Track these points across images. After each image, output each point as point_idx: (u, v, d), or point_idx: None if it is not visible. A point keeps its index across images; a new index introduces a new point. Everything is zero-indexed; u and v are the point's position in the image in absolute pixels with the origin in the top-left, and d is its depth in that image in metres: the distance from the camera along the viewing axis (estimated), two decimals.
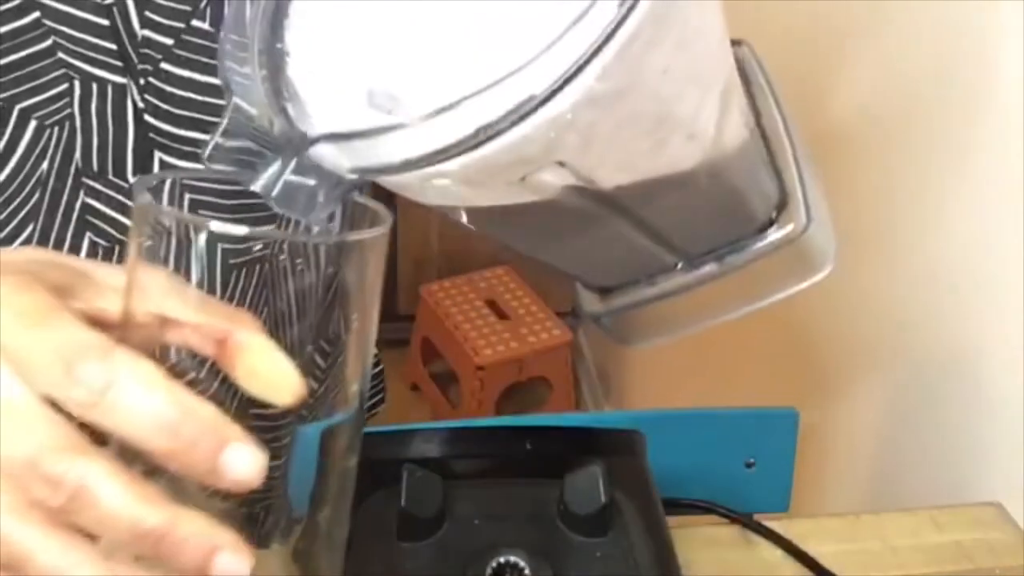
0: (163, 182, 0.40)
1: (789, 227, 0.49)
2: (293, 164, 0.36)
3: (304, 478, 0.41)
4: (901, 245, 0.99)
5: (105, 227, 0.59)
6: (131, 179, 0.58)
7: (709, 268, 0.50)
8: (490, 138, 0.33)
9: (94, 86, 0.55)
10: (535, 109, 0.33)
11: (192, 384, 0.39)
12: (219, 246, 0.37)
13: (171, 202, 0.40)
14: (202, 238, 0.37)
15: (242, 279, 0.41)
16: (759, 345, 1.35)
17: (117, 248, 0.60)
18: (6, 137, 0.55)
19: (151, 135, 0.57)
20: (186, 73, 0.56)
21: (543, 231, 0.46)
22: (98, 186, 0.58)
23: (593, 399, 2.11)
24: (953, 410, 0.91)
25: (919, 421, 0.96)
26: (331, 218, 0.40)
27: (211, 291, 0.38)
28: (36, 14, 0.53)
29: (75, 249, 0.59)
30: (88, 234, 0.59)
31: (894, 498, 0.98)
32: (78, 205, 0.58)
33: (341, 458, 0.41)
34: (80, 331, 0.35)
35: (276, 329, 0.39)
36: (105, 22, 0.54)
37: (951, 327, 0.92)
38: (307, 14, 0.41)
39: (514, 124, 0.33)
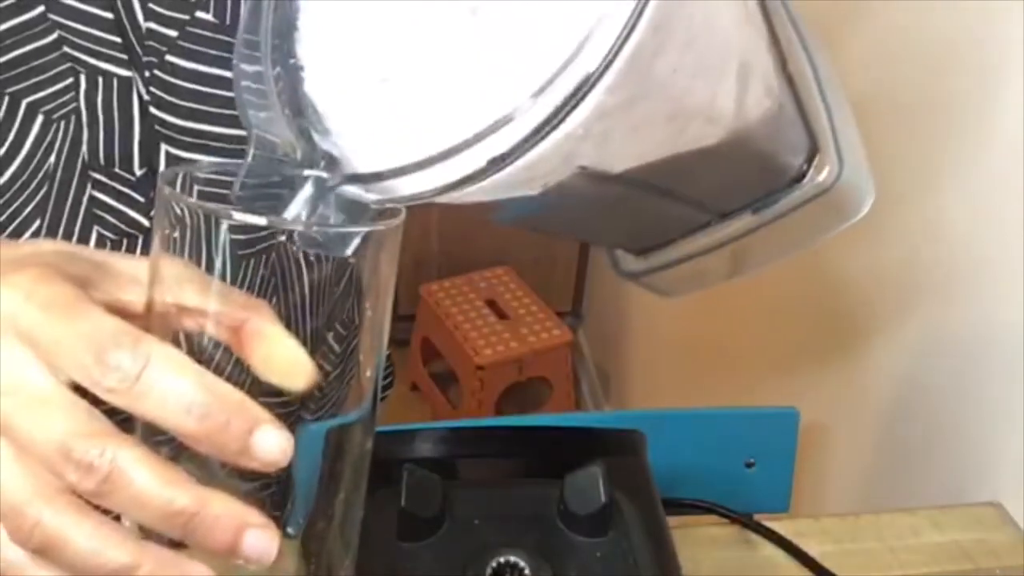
0: (176, 175, 0.40)
1: (822, 176, 0.48)
2: (319, 208, 0.37)
3: (311, 469, 0.42)
4: (901, 245, 0.99)
5: (112, 220, 0.59)
6: (137, 172, 0.58)
7: (744, 221, 0.49)
8: (504, 167, 0.34)
9: (100, 79, 0.56)
10: (545, 135, 0.33)
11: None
12: (236, 236, 0.38)
13: (183, 188, 0.41)
14: (223, 228, 0.37)
15: (260, 267, 0.42)
16: (759, 345, 1.35)
17: (125, 240, 0.60)
18: (14, 131, 0.55)
19: (157, 127, 0.58)
20: (191, 65, 0.56)
21: (571, 216, 0.45)
22: (105, 179, 0.58)
23: (593, 399, 2.11)
24: (953, 410, 0.91)
25: (919, 421, 0.96)
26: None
27: (230, 279, 0.39)
28: (41, 8, 0.53)
29: (83, 242, 0.59)
30: (95, 227, 0.59)
31: (894, 498, 0.98)
32: (85, 198, 0.58)
33: (356, 443, 0.42)
34: (108, 320, 0.36)
35: (290, 316, 0.40)
36: (109, 15, 0.54)
37: (951, 327, 0.92)
38: (316, 23, 0.41)
39: (525, 152, 0.33)
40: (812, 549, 0.72)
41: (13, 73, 0.54)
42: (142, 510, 0.35)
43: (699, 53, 0.37)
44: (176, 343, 0.39)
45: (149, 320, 0.39)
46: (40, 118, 0.55)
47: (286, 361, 0.39)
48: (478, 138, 0.33)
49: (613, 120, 0.35)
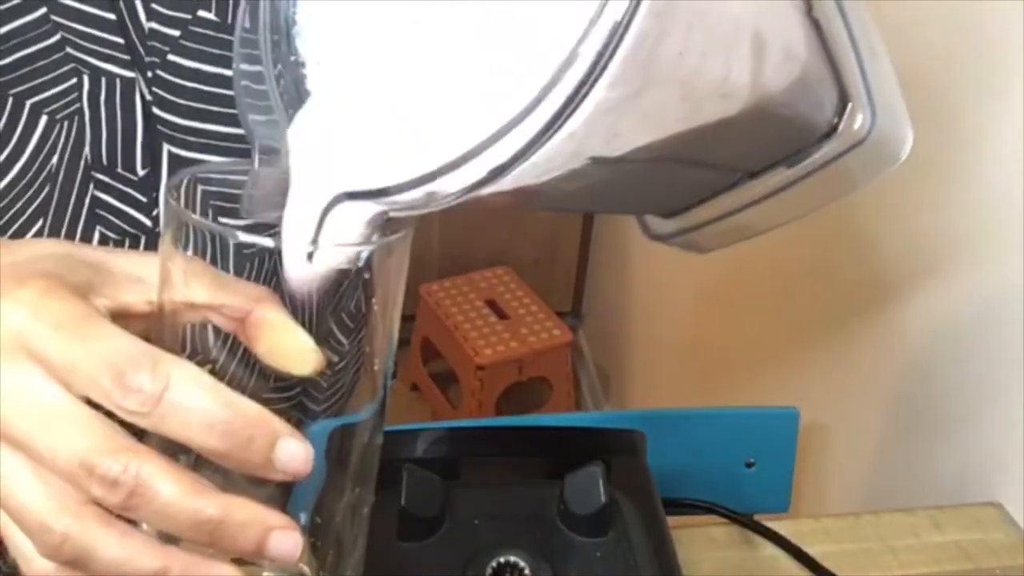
0: (181, 182, 0.41)
1: (855, 127, 0.46)
2: (323, 226, 0.37)
3: (320, 465, 0.42)
4: (901, 245, 0.99)
5: (115, 220, 0.59)
6: (140, 172, 0.58)
7: (778, 177, 0.47)
8: (506, 174, 0.33)
9: (103, 80, 0.56)
10: (546, 141, 0.33)
11: (213, 363, 0.41)
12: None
13: (187, 195, 0.41)
14: (230, 244, 0.38)
15: (266, 261, 0.42)
16: (759, 345, 1.36)
17: (127, 241, 0.60)
18: (18, 132, 0.55)
19: (160, 127, 0.58)
20: (194, 64, 0.56)
21: (587, 194, 0.44)
22: (107, 180, 0.58)
23: (593, 399, 2.11)
24: (953, 410, 0.91)
25: (919, 421, 0.96)
26: None
27: (235, 272, 0.40)
28: (43, 10, 0.53)
29: (85, 242, 0.59)
30: (98, 227, 0.59)
31: (894, 498, 0.98)
32: (88, 199, 0.58)
33: (365, 440, 0.43)
34: (122, 339, 0.36)
35: (296, 306, 0.41)
36: (111, 16, 0.54)
37: (951, 327, 0.92)
38: (316, 18, 0.41)
39: (527, 158, 0.33)
40: (812, 549, 0.72)
41: (16, 75, 0.54)
42: (169, 521, 0.36)
43: (707, 30, 0.36)
44: (183, 337, 0.40)
45: (159, 319, 0.40)
46: (44, 119, 0.55)
47: (292, 348, 0.40)
48: (478, 150, 0.33)
49: (619, 113, 0.34)
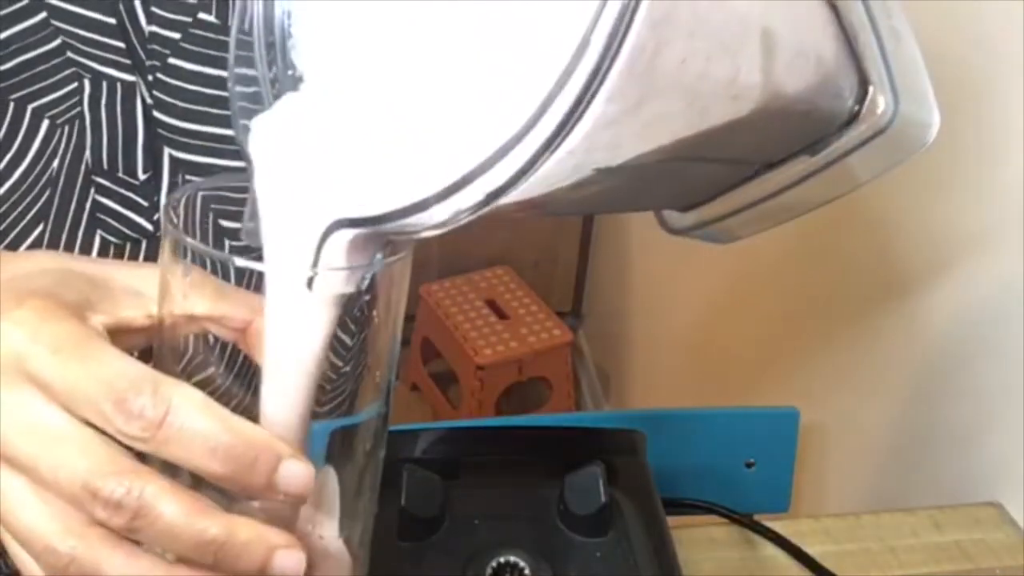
0: (180, 199, 0.41)
1: (877, 114, 0.44)
2: (322, 251, 0.37)
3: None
4: (901, 246, 0.99)
5: (115, 224, 0.59)
6: (141, 176, 0.58)
7: (800, 167, 0.46)
8: (503, 196, 0.33)
9: (104, 84, 0.56)
10: (543, 163, 0.32)
11: (214, 372, 0.41)
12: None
13: (187, 206, 0.41)
14: (230, 272, 0.38)
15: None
16: (759, 345, 1.36)
17: (128, 245, 0.60)
18: (20, 137, 0.55)
19: (160, 131, 0.58)
20: (194, 67, 0.56)
21: (596, 199, 0.43)
22: (108, 184, 0.58)
23: (593, 399, 2.11)
24: (953, 410, 0.91)
25: (919, 421, 0.96)
26: None
27: (235, 281, 0.40)
28: (43, 14, 0.53)
29: (86, 247, 0.59)
30: (99, 232, 0.59)
31: (894, 498, 0.98)
32: (88, 203, 0.58)
33: (368, 443, 0.43)
34: (122, 362, 0.36)
35: None
36: (112, 20, 0.54)
37: (951, 327, 0.92)
38: (312, 31, 0.40)
39: (525, 180, 0.32)
40: (812, 549, 0.72)
41: (18, 79, 0.54)
42: (174, 542, 0.36)
43: (711, 33, 0.35)
44: (183, 347, 0.40)
45: (160, 331, 0.40)
46: (45, 123, 0.55)
47: None
48: (472, 175, 0.32)
49: (621, 125, 0.33)
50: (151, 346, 0.42)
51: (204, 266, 0.39)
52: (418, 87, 0.36)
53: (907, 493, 0.97)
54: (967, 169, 0.88)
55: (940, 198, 0.92)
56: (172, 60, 0.56)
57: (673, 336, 1.70)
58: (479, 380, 1.92)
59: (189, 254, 0.38)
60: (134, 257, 0.60)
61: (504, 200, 0.32)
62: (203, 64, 0.56)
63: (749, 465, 0.81)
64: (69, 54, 0.54)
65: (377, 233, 0.36)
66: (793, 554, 0.72)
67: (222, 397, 0.40)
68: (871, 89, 0.44)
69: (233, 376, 0.41)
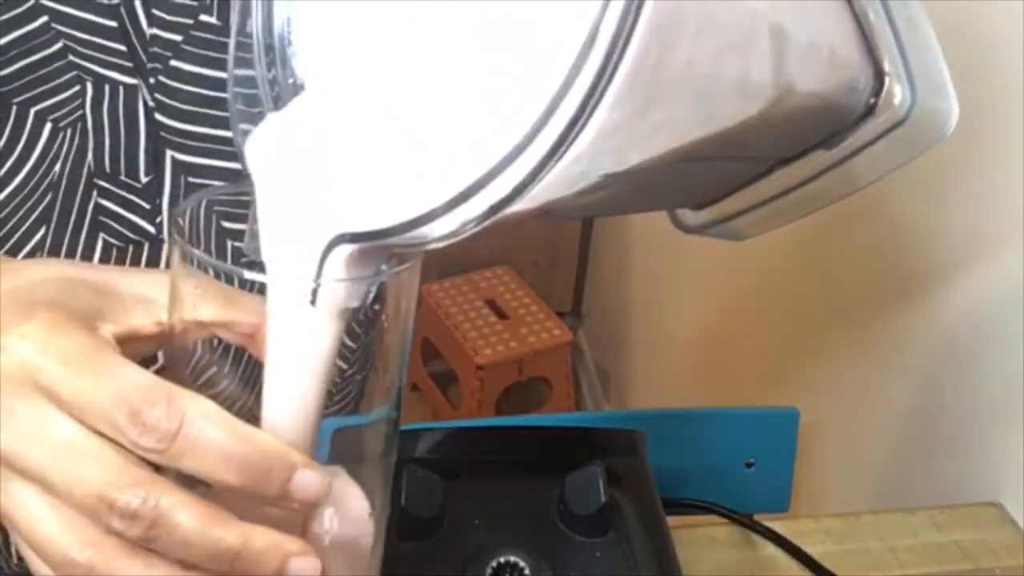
0: (187, 209, 0.41)
1: (893, 106, 0.43)
2: (324, 266, 0.37)
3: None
4: (902, 245, 0.99)
5: (118, 227, 0.59)
6: (143, 179, 0.58)
7: (816, 161, 0.45)
8: (509, 207, 0.32)
9: (106, 87, 0.56)
10: (548, 171, 0.31)
11: (223, 377, 0.42)
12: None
13: (194, 217, 0.41)
14: (235, 280, 0.38)
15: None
16: (759, 345, 1.35)
17: (131, 248, 0.60)
18: (23, 140, 0.55)
19: (162, 134, 0.58)
20: (196, 69, 0.56)
21: (606, 202, 0.42)
22: (110, 187, 0.58)
23: (593, 399, 2.11)
24: (953, 410, 0.91)
25: (919, 421, 0.96)
26: None
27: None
28: (44, 18, 0.53)
29: (89, 250, 0.59)
30: (101, 234, 0.59)
31: (894, 498, 0.98)
32: (91, 206, 0.58)
33: (378, 451, 0.43)
34: (134, 374, 0.36)
35: None
36: (113, 23, 0.54)
37: (951, 327, 0.92)
38: (312, 39, 0.40)
39: (529, 190, 0.31)
40: (812, 549, 0.72)
41: (20, 83, 0.54)
42: (190, 551, 0.36)
43: (719, 32, 0.34)
44: (192, 352, 0.40)
45: (170, 339, 0.40)
46: (48, 127, 0.55)
47: None
48: (474, 188, 0.32)
49: (628, 130, 0.33)
50: (153, 353, 0.42)
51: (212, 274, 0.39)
52: (420, 97, 0.36)
53: (907, 493, 0.97)
54: (967, 170, 0.88)
55: (940, 199, 0.92)
56: (174, 62, 0.56)
57: (673, 336, 1.70)
58: (479, 380, 1.92)
59: (196, 262, 0.38)
60: (136, 259, 0.60)
61: (510, 210, 0.32)
62: (205, 66, 0.56)
63: (749, 465, 0.81)
64: (71, 57, 0.54)
65: (381, 246, 0.36)
66: (793, 554, 0.72)
67: (230, 400, 0.40)
68: (887, 80, 0.43)
69: (243, 380, 0.42)
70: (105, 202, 0.58)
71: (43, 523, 0.36)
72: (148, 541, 0.35)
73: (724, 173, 0.45)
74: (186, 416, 0.35)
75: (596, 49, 0.29)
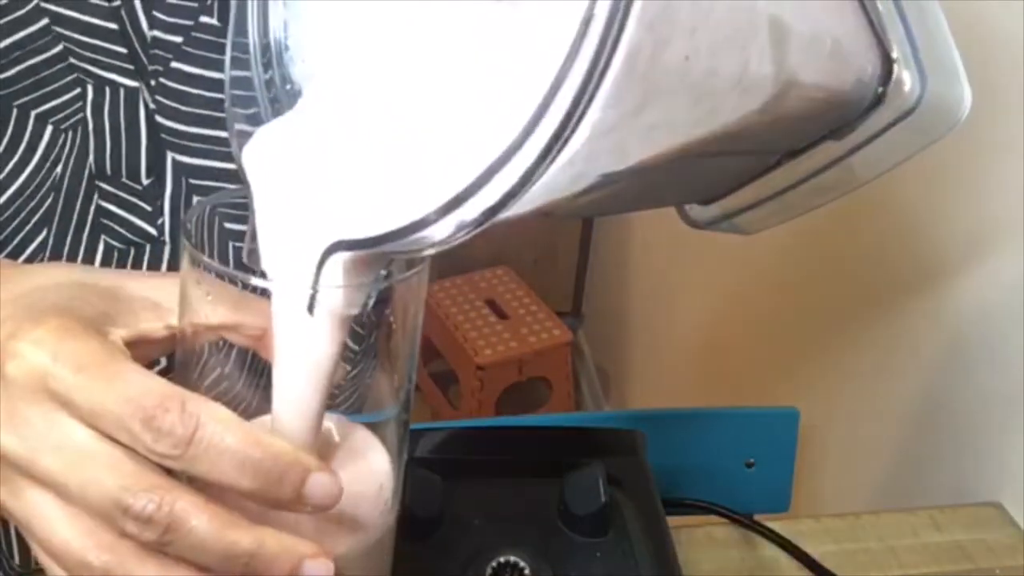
0: (197, 214, 0.41)
1: (903, 95, 0.42)
2: (321, 274, 0.37)
3: None
4: (902, 245, 0.99)
5: (119, 229, 0.59)
6: (144, 181, 0.59)
7: (825, 152, 0.44)
8: (503, 211, 0.31)
9: (107, 90, 0.56)
10: (541, 174, 0.30)
11: (230, 378, 0.42)
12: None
13: (202, 222, 0.41)
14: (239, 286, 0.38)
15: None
16: (759, 345, 1.36)
17: (132, 249, 0.60)
18: (24, 142, 0.55)
19: (164, 135, 0.58)
20: (197, 70, 0.56)
21: (609, 201, 0.42)
22: (112, 189, 0.58)
23: (593, 399, 2.11)
24: (953, 410, 0.91)
25: (919, 421, 0.96)
26: None
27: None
28: (45, 21, 0.53)
29: (90, 252, 0.59)
30: (103, 237, 0.59)
31: (894, 498, 0.98)
32: (92, 208, 0.58)
33: (387, 443, 0.43)
34: (147, 380, 0.36)
35: None
36: (113, 25, 0.54)
37: (951, 328, 0.92)
38: (308, 45, 0.40)
39: (523, 192, 0.31)
40: (812, 549, 0.72)
41: (21, 85, 0.54)
42: (204, 554, 0.36)
43: (715, 28, 0.33)
44: (201, 354, 0.40)
45: (181, 342, 0.40)
46: (49, 129, 0.55)
47: None
48: (467, 192, 0.31)
49: (623, 130, 0.32)
50: (161, 356, 0.42)
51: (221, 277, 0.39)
52: (415, 102, 0.36)
53: (907, 493, 0.97)
54: (967, 170, 0.88)
55: (939, 200, 0.92)
56: (174, 64, 0.56)
57: (673, 336, 1.70)
58: (479, 380, 1.92)
59: (205, 266, 0.38)
60: (138, 261, 0.60)
61: (505, 214, 0.31)
62: (205, 68, 0.56)
63: (749, 465, 0.81)
64: (71, 60, 0.54)
65: (378, 253, 0.36)
66: (793, 554, 0.72)
67: (237, 401, 0.41)
68: (895, 68, 0.42)
69: (252, 381, 0.42)
70: (106, 204, 0.58)
71: (59, 528, 0.36)
72: (163, 545, 0.36)
73: (731, 168, 0.45)
74: (200, 421, 0.35)
75: (585, 49, 0.28)
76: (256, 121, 0.40)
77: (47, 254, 0.58)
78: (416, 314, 0.41)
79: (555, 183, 0.32)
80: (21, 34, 0.53)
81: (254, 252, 0.38)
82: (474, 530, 0.58)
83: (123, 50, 0.55)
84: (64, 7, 0.53)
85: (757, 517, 0.75)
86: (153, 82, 0.56)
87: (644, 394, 1.86)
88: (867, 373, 1.06)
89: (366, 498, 0.41)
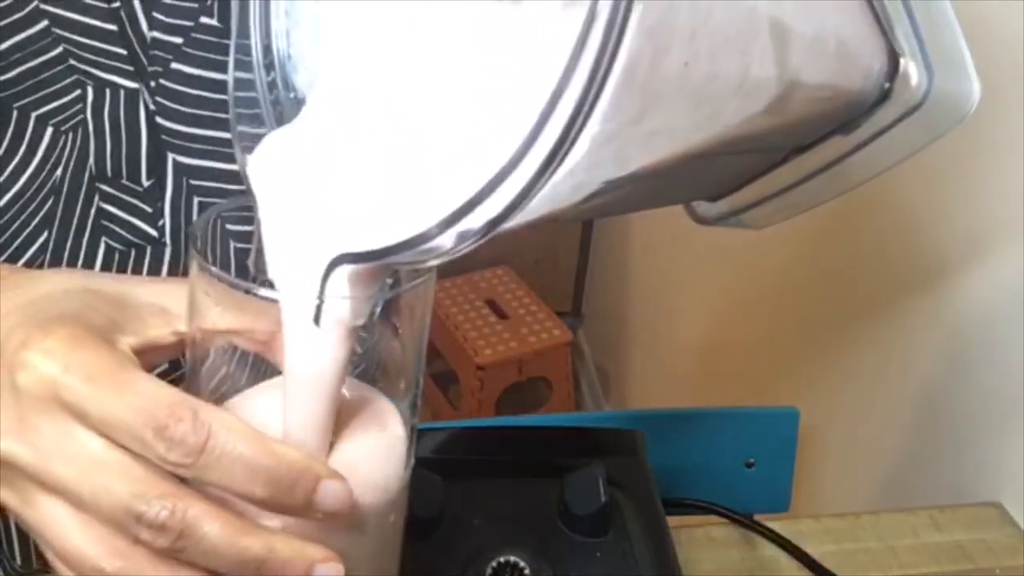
0: (207, 222, 0.41)
1: (909, 90, 0.42)
2: (326, 287, 0.37)
3: None
4: (902, 245, 0.99)
5: (120, 231, 0.59)
6: (145, 182, 0.59)
7: (833, 147, 0.44)
8: (508, 220, 0.31)
9: (107, 91, 0.56)
10: (543, 185, 0.30)
11: (238, 382, 0.42)
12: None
13: (210, 230, 0.42)
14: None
15: None
16: (759, 345, 1.36)
17: (133, 251, 0.60)
18: (24, 144, 0.55)
19: (164, 137, 0.58)
20: (197, 71, 0.56)
21: (614, 204, 0.42)
22: (112, 190, 0.58)
23: (593, 399, 2.11)
24: (953, 410, 0.91)
25: (919, 421, 0.96)
26: None
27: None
28: (45, 22, 0.53)
29: (91, 254, 0.59)
30: (103, 238, 0.59)
31: (894, 498, 0.98)
32: (92, 210, 0.58)
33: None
34: (159, 389, 0.36)
35: None
36: (113, 27, 0.54)
37: (951, 328, 0.92)
38: (313, 52, 0.40)
39: (526, 203, 0.31)
40: (812, 549, 0.72)
41: (21, 87, 0.54)
42: (216, 560, 0.36)
43: (714, 32, 0.32)
44: (209, 359, 0.41)
45: (190, 348, 0.40)
46: (49, 131, 0.55)
47: None
48: (469, 205, 0.31)
49: (624, 139, 0.32)
50: (168, 361, 0.42)
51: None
52: (416, 106, 0.36)
53: (907, 493, 0.97)
54: (967, 170, 0.88)
55: (939, 201, 0.92)
56: (175, 65, 0.56)
57: (673, 336, 1.70)
58: (479, 380, 1.92)
59: (213, 274, 0.38)
60: (139, 263, 0.60)
61: (508, 225, 0.31)
62: (206, 68, 0.56)
63: (749, 465, 0.81)
64: (71, 62, 0.54)
65: (382, 265, 0.36)
66: (793, 554, 0.72)
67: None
68: (902, 62, 0.42)
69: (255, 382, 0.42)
70: (107, 206, 0.58)
71: (72, 536, 0.37)
72: (176, 551, 0.36)
73: (737, 166, 0.45)
74: (212, 430, 0.35)
75: (584, 59, 0.28)
76: (258, 123, 0.40)
77: (47, 256, 0.58)
78: (423, 319, 0.41)
79: (557, 193, 0.32)
80: (21, 36, 0.53)
81: (260, 263, 0.39)
82: (474, 530, 0.58)
83: (123, 51, 0.55)
84: (64, 9, 0.53)
85: (757, 517, 0.75)
86: (153, 83, 0.56)
87: (644, 394, 1.86)
88: (867, 373, 1.06)
89: (376, 464, 0.42)
